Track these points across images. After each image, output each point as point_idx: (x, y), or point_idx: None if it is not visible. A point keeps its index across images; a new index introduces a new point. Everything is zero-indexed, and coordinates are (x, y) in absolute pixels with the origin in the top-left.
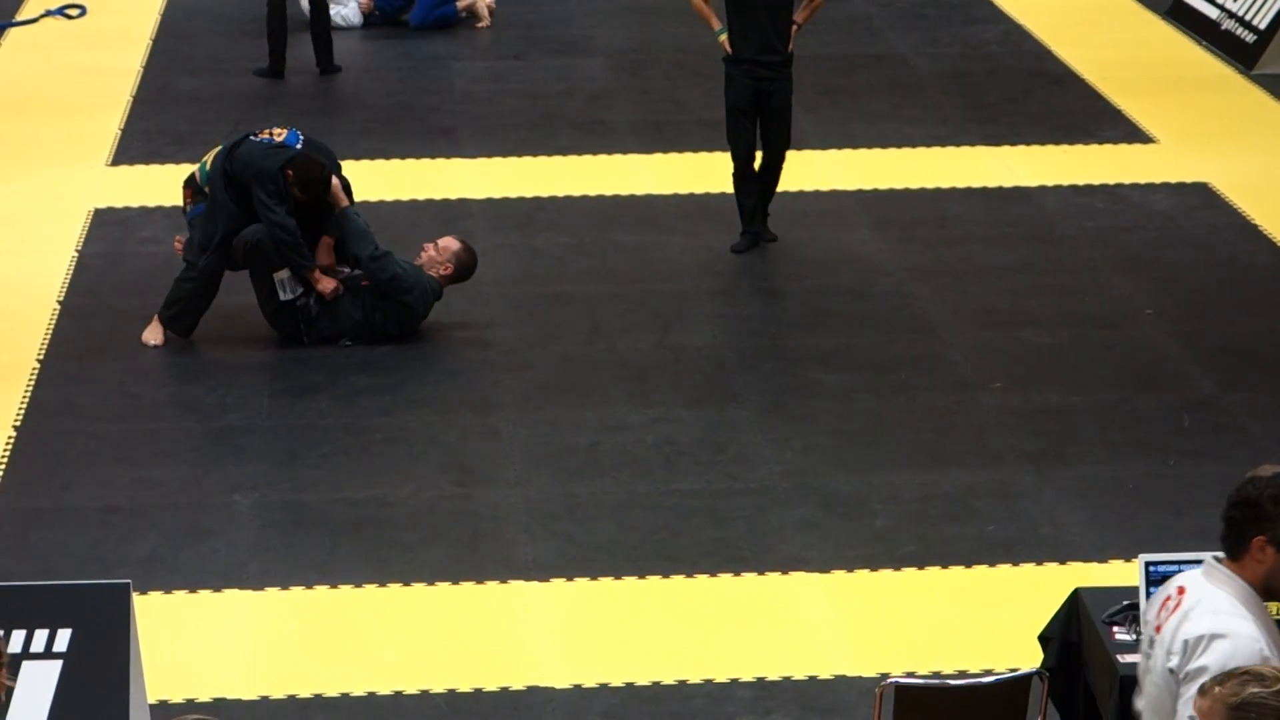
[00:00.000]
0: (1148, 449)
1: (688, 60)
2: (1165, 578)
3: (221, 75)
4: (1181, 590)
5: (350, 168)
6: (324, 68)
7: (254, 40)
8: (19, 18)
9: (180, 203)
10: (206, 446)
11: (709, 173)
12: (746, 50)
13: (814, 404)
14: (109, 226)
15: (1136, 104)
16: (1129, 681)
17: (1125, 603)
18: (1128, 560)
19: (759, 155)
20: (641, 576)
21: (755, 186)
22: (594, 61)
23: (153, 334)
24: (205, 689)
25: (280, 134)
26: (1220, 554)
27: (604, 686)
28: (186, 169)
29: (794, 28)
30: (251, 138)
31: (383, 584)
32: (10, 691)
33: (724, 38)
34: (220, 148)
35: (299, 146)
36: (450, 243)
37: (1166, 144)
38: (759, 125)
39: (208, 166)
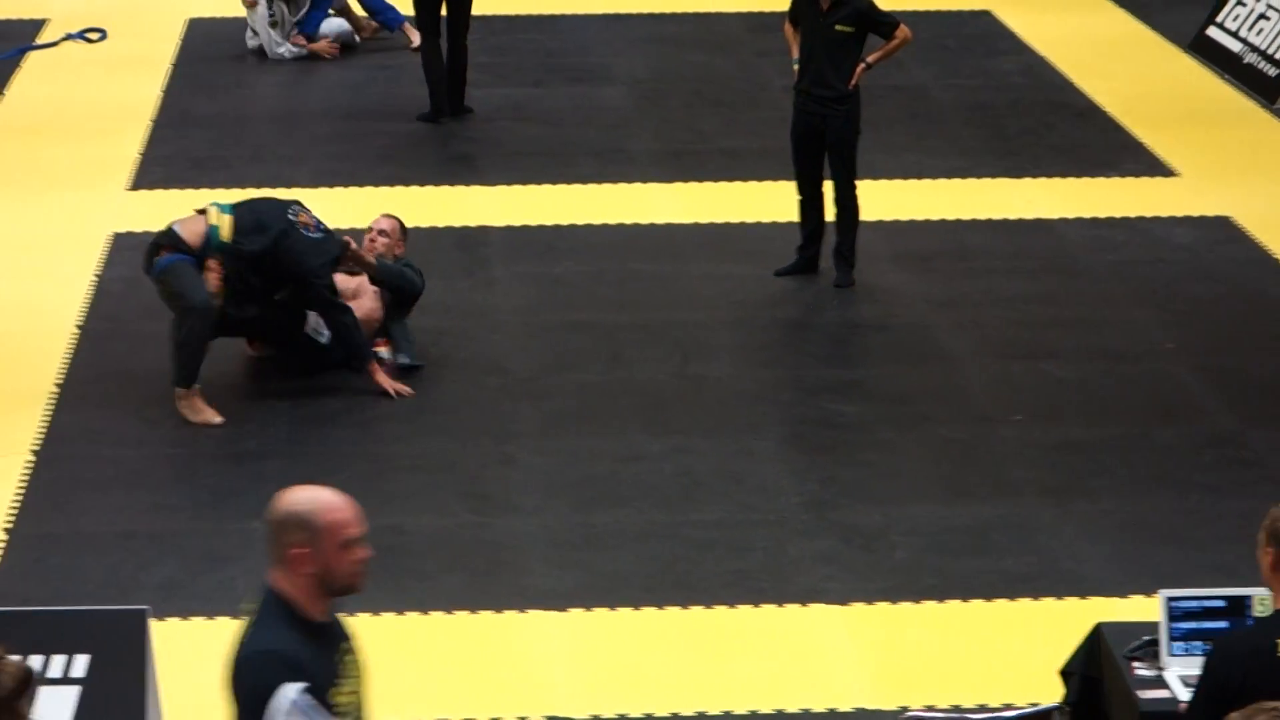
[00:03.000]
0: (1169, 483)
1: (708, 89)
2: (1186, 613)
3: (241, 100)
4: None
5: (369, 195)
6: (454, 109)
7: (274, 65)
8: (39, 41)
9: None
10: (225, 472)
11: (729, 202)
12: (802, 82)
13: (833, 435)
14: (129, 251)
15: (1158, 137)
16: (1150, 718)
17: (1146, 638)
18: (1149, 595)
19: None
20: (660, 607)
21: (812, 214)
22: (614, 90)
23: (202, 413)
24: (222, 716)
25: (311, 222)
26: None
27: (622, 717)
28: (206, 193)
29: (861, 66)
30: (300, 228)
31: (400, 612)
32: None
33: (796, 67)
34: (230, 216)
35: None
36: (390, 222)
37: (1188, 177)
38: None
39: (223, 234)
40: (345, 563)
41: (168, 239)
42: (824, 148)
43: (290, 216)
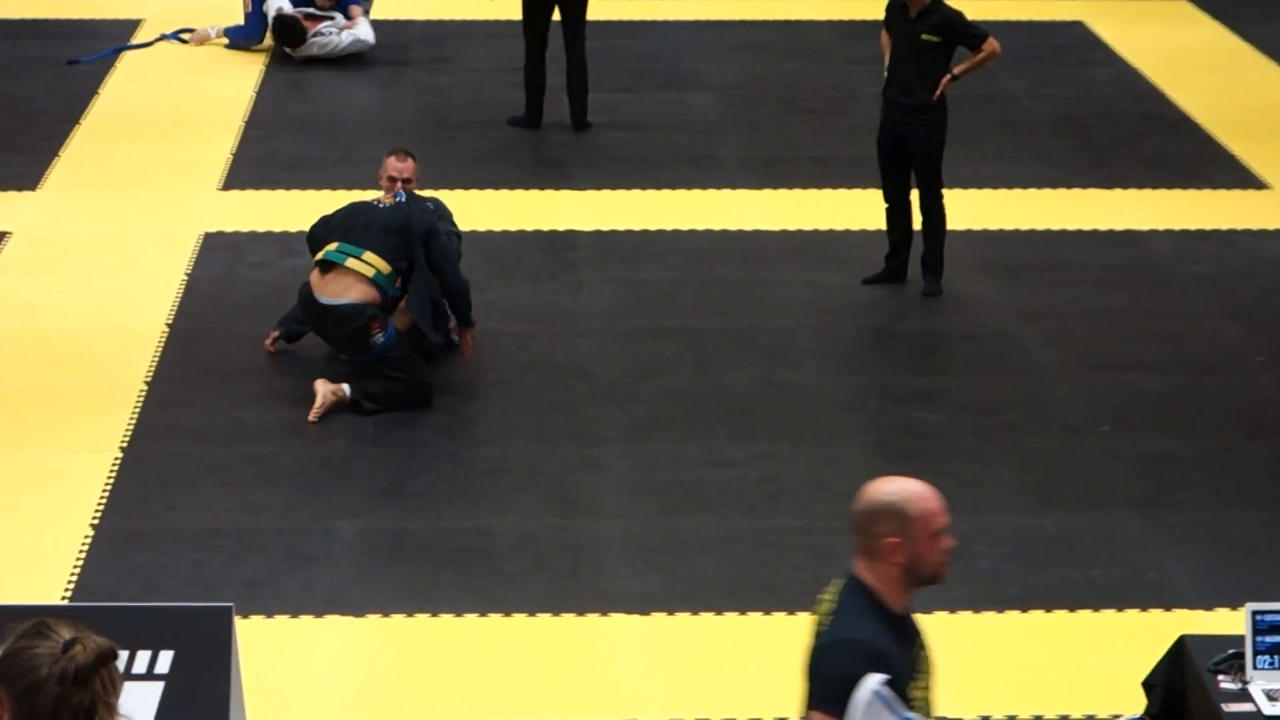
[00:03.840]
0: (1256, 497)
1: (798, 96)
2: (1272, 627)
3: (333, 102)
4: None
5: (460, 197)
6: (577, 123)
7: (365, 67)
8: (133, 41)
9: (286, 228)
10: (311, 472)
11: (817, 210)
12: (889, 89)
13: (918, 444)
14: (219, 251)
15: (1250, 149)
16: None
17: (1231, 651)
18: (1234, 609)
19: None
20: (743, 612)
21: (899, 222)
22: (704, 96)
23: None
24: (305, 714)
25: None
26: None
27: None
28: (297, 194)
29: (947, 77)
30: (416, 203)
31: (483, 614)
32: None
33: (886, 74)
34: (368, 251)
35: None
36: (408, 163)
37: (1279, 190)
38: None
39: (385, 271)
40: (934, 552)
41: (365, 313)
42: (909, 156)
43: (387, 205)
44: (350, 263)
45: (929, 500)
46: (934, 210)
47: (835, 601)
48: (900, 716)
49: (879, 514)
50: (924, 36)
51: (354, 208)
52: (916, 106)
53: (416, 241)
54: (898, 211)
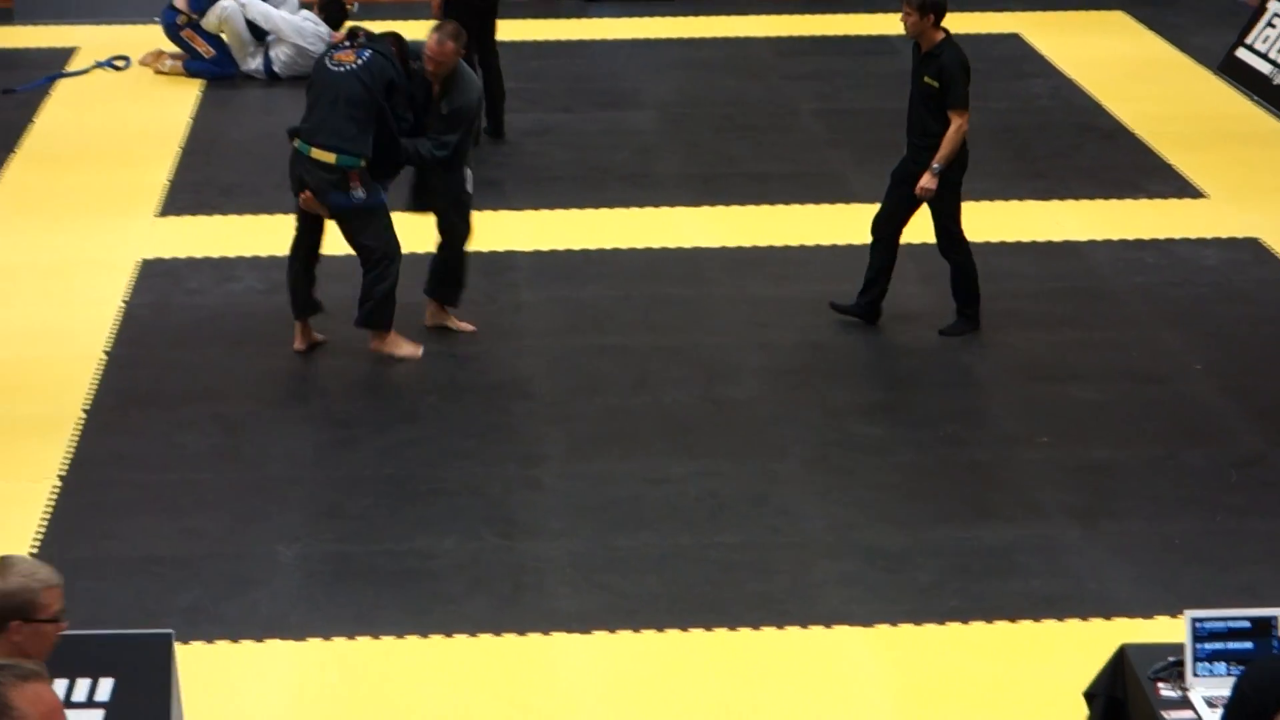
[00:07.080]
0: (1195, 505)
1: (736, 114)
2: (1212, 634)
3: (270, 126)
4: None
5: (397, 220)
6: (495, 131)
7: (300, 92)
8: (68, 69)
9: (224, 254)
10: (250, 497)
11: (756, 226)
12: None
13: (858, 458)
14: (156, 277)
15: (1187, 159)
16: None
17: (1171, 659)
18: (1174, 616)
19: None
20: (684, 629)
21: (878, 258)
22: (642, 114)
23: (410, 348)
24: None
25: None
26: None
27: None
28: (234, 220)
29: (928, 175)
30: (354, 55)
31: (425, 635)
32: None
33: None
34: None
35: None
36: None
37: (1217, 199)
38: None
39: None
40: None
41: (341, 164)
42: (914, 194)
43: (346, 70)
44: (314, 153)
45: None
46: (952, 253)
47: None
48: None
49: None
50: (925, 79)
51: (324, 80)
52: (926, 146)
53: (380, 99)
54: (880, 247)
